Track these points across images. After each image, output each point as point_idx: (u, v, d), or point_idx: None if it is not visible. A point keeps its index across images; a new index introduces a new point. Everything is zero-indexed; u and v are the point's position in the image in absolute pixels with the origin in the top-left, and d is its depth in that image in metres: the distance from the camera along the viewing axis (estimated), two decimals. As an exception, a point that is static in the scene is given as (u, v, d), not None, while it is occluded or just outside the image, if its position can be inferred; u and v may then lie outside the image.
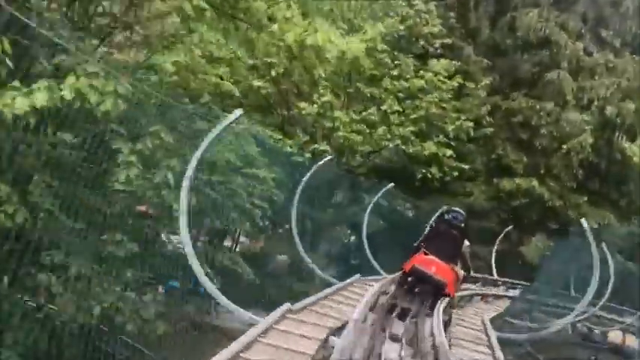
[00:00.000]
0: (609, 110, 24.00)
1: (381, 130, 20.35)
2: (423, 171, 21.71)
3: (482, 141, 24.38)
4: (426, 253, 9.39)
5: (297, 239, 13.05)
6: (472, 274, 11.11)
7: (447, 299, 9.39)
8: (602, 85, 24.35)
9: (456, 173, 22.28)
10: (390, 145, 20.57)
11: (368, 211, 15.92)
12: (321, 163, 13.35)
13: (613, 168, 25.05)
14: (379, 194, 16.58)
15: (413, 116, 20.93)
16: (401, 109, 20.97)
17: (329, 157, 14.48)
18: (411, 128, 20.81)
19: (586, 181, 24.93)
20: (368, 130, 20.32)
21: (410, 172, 21.68)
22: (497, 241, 23.04)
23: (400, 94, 21.22)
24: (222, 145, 11.24)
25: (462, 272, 9.86)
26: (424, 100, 21.10)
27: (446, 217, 9.81)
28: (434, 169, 21.72)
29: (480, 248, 18.71)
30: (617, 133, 24.58)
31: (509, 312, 14.43)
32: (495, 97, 25.06)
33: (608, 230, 22.13)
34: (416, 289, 9.15)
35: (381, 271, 14.56)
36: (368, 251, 15.43)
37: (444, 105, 21.44)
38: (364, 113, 20.61)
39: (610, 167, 25.11)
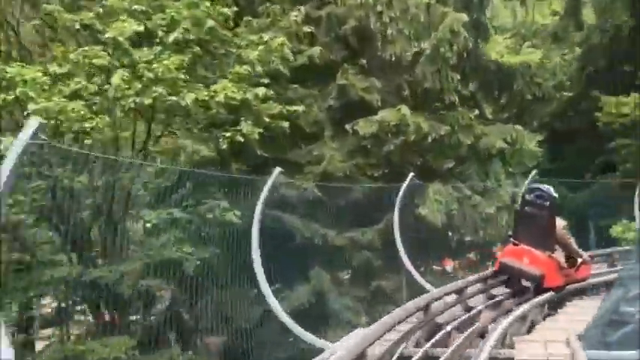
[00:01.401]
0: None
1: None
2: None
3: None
4: (515, 244, 8.38)
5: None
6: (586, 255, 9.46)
7: (549, 294, 7.99)
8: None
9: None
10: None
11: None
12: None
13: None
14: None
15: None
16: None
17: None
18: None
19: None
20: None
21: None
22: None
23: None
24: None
25: (564, 260, 8.62)
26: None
27: (527, 197, 8.62)
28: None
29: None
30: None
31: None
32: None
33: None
34: (512, 288, 8.02)
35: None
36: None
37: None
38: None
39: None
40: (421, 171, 17.41)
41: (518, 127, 19.19)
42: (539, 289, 8.13)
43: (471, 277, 9.42)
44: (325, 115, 17.29)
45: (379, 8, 17.03)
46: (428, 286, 10.77)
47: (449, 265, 23.17)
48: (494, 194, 19.45)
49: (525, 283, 8.28)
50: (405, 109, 16.80)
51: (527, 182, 14.98)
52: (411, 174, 13.03)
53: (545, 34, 28.70)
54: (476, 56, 20.58)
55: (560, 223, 8.75)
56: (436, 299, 7.64)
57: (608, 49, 24.76)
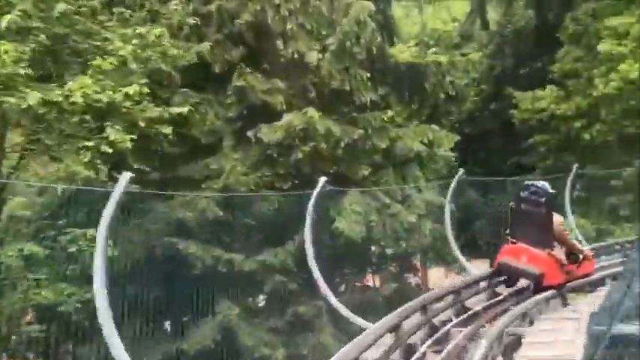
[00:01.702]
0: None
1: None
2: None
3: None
4: (513, 242, 8.24)
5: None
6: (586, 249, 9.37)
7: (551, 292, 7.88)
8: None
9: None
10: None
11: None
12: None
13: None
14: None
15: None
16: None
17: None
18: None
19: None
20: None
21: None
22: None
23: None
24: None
25: (564, 257, 8.46)
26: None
27: (522, 194, 8.42)
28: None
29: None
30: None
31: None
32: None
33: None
34: (513, 287, 7.96)
35: None
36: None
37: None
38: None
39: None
40: (335, 180, 15.57)
41: (435, 127, 17.80)
42: (539, 288, 8.02)
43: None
44: (223, 122, 15.15)
45: (276, 1, 15.14)
46: (344, 311, 8.96)
47: (371, 282, 21.76)
48: (415, 201, 17.90)
49: (525, 281, 8.24)
50: (312, 112, 14.94)
51: (452, 185, 13.41)
52: (323, 178, 11.15)
53: (447, 39, 27.89)
54: (385, 54, 19.16)
55: (557, 219, 8.57)
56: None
57: (515, 48, 24.23)
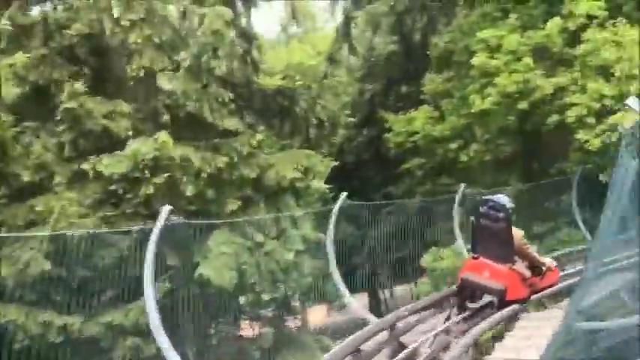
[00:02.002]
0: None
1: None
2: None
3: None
4: (475, 257, 8.34)
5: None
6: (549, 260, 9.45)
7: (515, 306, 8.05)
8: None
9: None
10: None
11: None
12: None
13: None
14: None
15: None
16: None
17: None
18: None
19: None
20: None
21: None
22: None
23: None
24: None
25: (526, 271, 8.52)
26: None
27: (481, 209, 8.42)
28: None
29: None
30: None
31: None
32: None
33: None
34: (476, 304, 7.99)
35: None
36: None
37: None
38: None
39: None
40: (200, 218, 13.30)
41: (309, 152, 16.08)
42: (503, 303, 8.06)
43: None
44: (53, 154, 12.36)
45: (115, 10, 12.74)
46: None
47: (249, 329, 19.74)
48: (291, 237, 15.92)
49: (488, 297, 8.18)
50: (164, 137, 12.63)
51: (336, 207, 11.64)
52: (167, 207, 8.84)
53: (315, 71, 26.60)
54: (249, 75, 17.31)
55: (517, 233, 8.56)
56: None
57: (386, 71, 23.43)
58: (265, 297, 14.74)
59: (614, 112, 14.74)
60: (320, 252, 14.78)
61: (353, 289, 28.13)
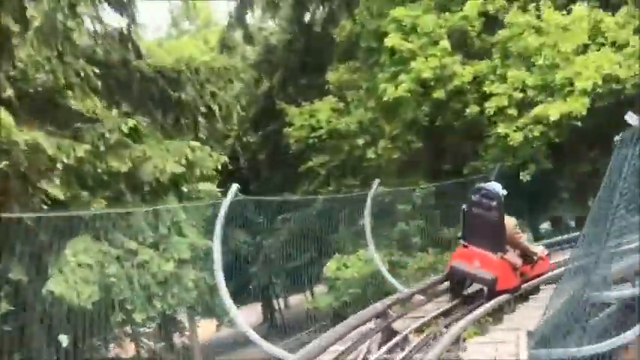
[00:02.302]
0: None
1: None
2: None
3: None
4: (465, 246, 8.30)
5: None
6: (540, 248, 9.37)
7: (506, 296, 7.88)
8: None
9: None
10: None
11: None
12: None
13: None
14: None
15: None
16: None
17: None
18: None
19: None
20: None
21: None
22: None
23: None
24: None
25: (517, 260, 8.36)
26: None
27: (473, 198, 8.28)
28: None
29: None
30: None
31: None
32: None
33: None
34: (466, 292, 8.09)
35: None
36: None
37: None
38: None
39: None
40: (56, 219, 10.47)
41: (195, 143, 13.59)
42: (493, 293, 7.83)
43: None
44: None
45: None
46: None
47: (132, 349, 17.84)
48: (173, 244, 13.33)
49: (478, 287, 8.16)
50: (4, 115, 9.72)
51: (225, 202, 9.35)
52: None
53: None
54: (126, 54, 14.59)
55: (510, 221, 8.42)
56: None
57: (287, 59, 21.31)
58: (138, 316, 12.03)
59: (536, 104, 13.46)
60: (210, 261, 12.62)
61: (246, 301, 26.13)
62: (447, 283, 8.85)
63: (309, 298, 24.71)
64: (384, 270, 12.13)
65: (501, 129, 13.59)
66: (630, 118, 6.76)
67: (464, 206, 8.48)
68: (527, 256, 8.81)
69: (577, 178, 15.51)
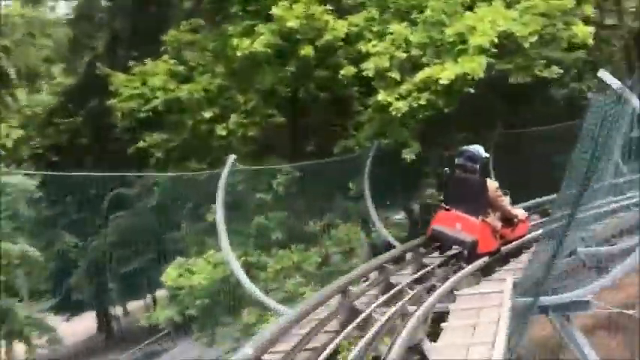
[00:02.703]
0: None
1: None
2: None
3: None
4: (447, 210, 8.21)
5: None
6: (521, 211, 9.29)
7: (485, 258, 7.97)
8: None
9: None
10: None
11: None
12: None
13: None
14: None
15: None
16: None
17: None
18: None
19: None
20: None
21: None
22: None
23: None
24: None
25: (497, 223, 8.43)
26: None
27: (457, 160, 8.28)
28: None
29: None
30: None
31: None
32: None
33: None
34: (447, 254, 8.18)
35: None
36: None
37: None
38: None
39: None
40: None
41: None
42: (473, 256, 7.90)
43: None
44: None
45: None
46: None
47: None
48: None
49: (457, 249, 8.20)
50: None
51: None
52: None
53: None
54: None
55: (492, 184, 8.47)
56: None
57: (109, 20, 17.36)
58: None
59: (421, 67, 11.11)
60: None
61: (78, 309, 22.32)
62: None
63: (151, 309, 21.37)
64: (240, 275, 9.46)
65: (382, 96, 11.07)
66: (604, 75, 5.86)
67: (446, 169, 8.51)
68: (507, 219, 8.76)
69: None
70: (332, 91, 13.22)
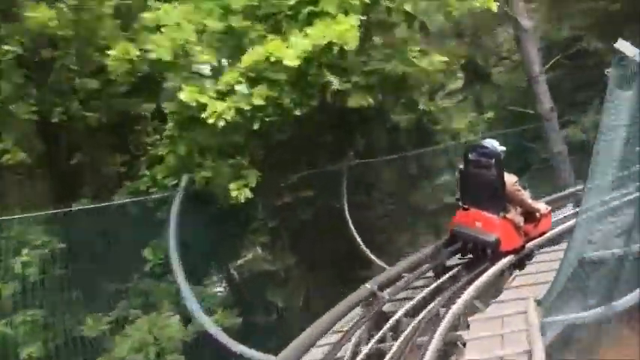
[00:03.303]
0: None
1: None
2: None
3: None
4: (465, 208, 8.10)
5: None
6: (543, 205, 8.82)
7: (511, 257, 7.75)
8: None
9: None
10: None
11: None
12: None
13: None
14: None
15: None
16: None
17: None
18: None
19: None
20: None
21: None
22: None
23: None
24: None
25: (520, 218, 8.15)
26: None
27: (470, 156, 8.07)
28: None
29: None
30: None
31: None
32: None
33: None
34: (470, 255, 8.00)
35: None
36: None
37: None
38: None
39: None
40: None
41: None
42: (497, 255, 7.72)
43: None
44: None
45: None
46: None
47: None
48: None
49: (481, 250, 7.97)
50: None
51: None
52: None
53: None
54: None
55: (510, 179, 8.07)
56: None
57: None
58: None
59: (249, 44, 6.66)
60: None
61: None
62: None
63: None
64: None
65: (186, 96, 6.42)
66: (622, 45, 5.21)
67: (460, 166, 8.26)
68: (529, 214, 8.26)
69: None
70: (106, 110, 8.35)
